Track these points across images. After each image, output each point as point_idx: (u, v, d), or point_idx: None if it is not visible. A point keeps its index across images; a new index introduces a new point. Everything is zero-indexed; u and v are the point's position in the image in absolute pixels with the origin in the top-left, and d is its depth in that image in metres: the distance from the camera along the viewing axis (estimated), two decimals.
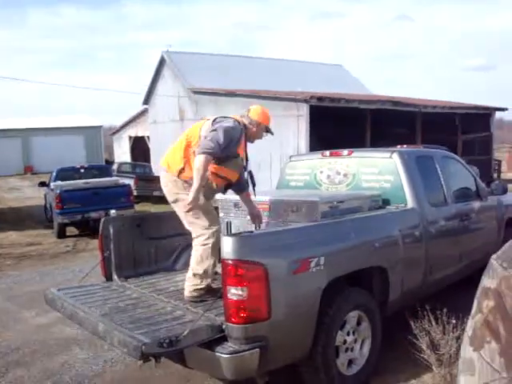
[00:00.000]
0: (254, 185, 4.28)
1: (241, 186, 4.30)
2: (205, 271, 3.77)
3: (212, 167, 3.83)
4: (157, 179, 20.29)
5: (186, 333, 2.89)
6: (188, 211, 3.75)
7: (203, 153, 3.65)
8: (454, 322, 3.46)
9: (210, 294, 3.74)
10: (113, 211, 4.85)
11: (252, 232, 3.35)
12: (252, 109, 4.14)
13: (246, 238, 3.15)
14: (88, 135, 36.99)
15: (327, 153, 5.32)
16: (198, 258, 3.78)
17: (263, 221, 4.36)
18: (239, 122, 3.97)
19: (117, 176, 17.17)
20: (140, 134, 29.50)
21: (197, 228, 3.85)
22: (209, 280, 3.82)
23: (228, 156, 3.87)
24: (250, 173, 4.28)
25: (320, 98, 15.83)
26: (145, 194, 17.38)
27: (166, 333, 2.99)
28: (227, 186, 4.17)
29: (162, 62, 24.61)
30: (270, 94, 17.29)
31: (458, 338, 3.40)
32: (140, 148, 29.91)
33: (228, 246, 3.00)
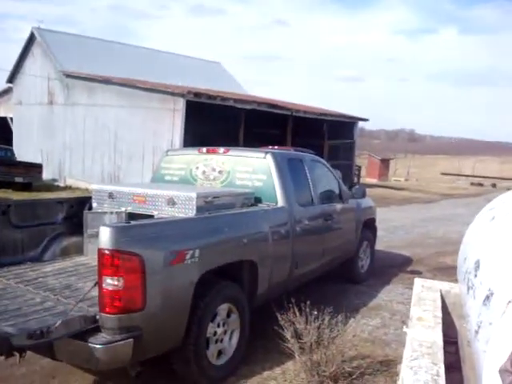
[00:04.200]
0: None
1: None
2: None
3: None
4: (20, 165, 18.70)
5: (57, 324, 2.81)
6: None
7: None
8: (315, 313, 3.75)
9: None
10: None
11: (129, 223, 3.35)
12: None
13: (123, 228, 3.15)
14: None
15: (204, 149, 5.45)
16: None
17: None
18: None
19: None
20: (2, 115, 27.24)
21: None
22: None
23: None
24: None
25: (197, 94, 15.93)
26: (5, 180, 16.12)
27: (36, 324, 2.90)
28: None
29: (31, 39, 23.03)
30: (147, 85, 17.02)
31: (319, 328, 3.71)
32: (1, 130, 27.63)
33: (105, 236, 2.97)
